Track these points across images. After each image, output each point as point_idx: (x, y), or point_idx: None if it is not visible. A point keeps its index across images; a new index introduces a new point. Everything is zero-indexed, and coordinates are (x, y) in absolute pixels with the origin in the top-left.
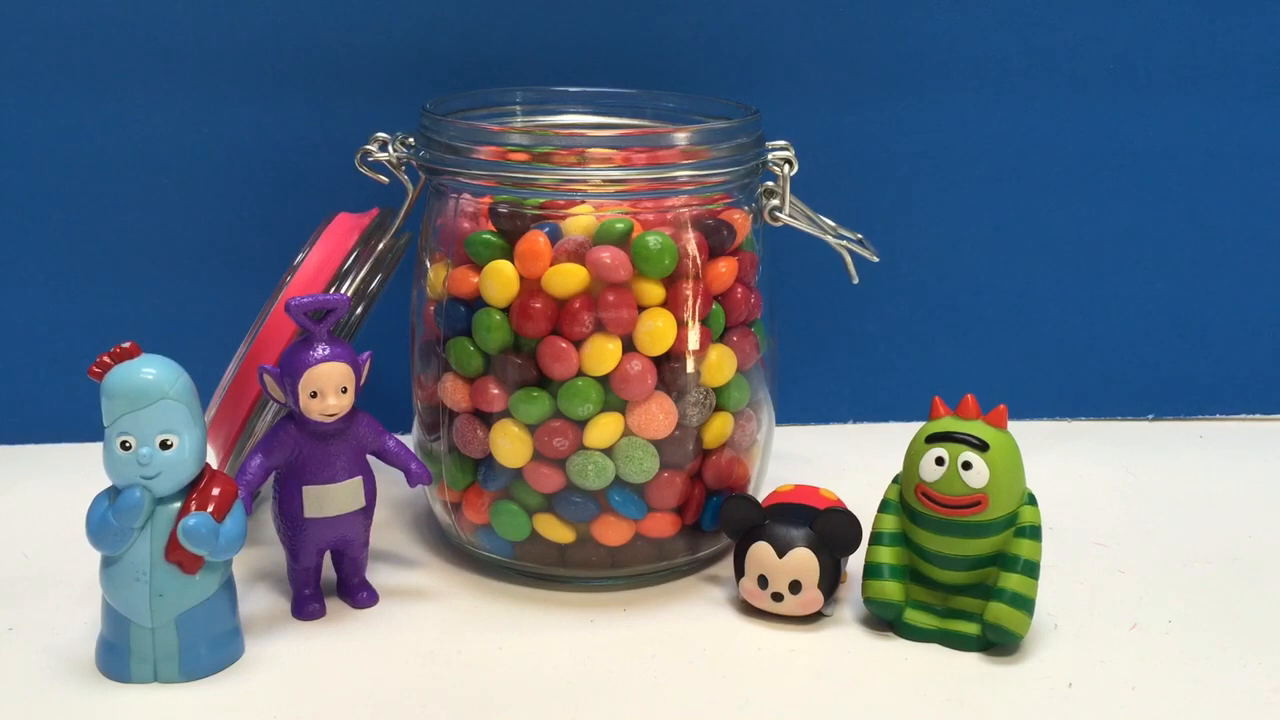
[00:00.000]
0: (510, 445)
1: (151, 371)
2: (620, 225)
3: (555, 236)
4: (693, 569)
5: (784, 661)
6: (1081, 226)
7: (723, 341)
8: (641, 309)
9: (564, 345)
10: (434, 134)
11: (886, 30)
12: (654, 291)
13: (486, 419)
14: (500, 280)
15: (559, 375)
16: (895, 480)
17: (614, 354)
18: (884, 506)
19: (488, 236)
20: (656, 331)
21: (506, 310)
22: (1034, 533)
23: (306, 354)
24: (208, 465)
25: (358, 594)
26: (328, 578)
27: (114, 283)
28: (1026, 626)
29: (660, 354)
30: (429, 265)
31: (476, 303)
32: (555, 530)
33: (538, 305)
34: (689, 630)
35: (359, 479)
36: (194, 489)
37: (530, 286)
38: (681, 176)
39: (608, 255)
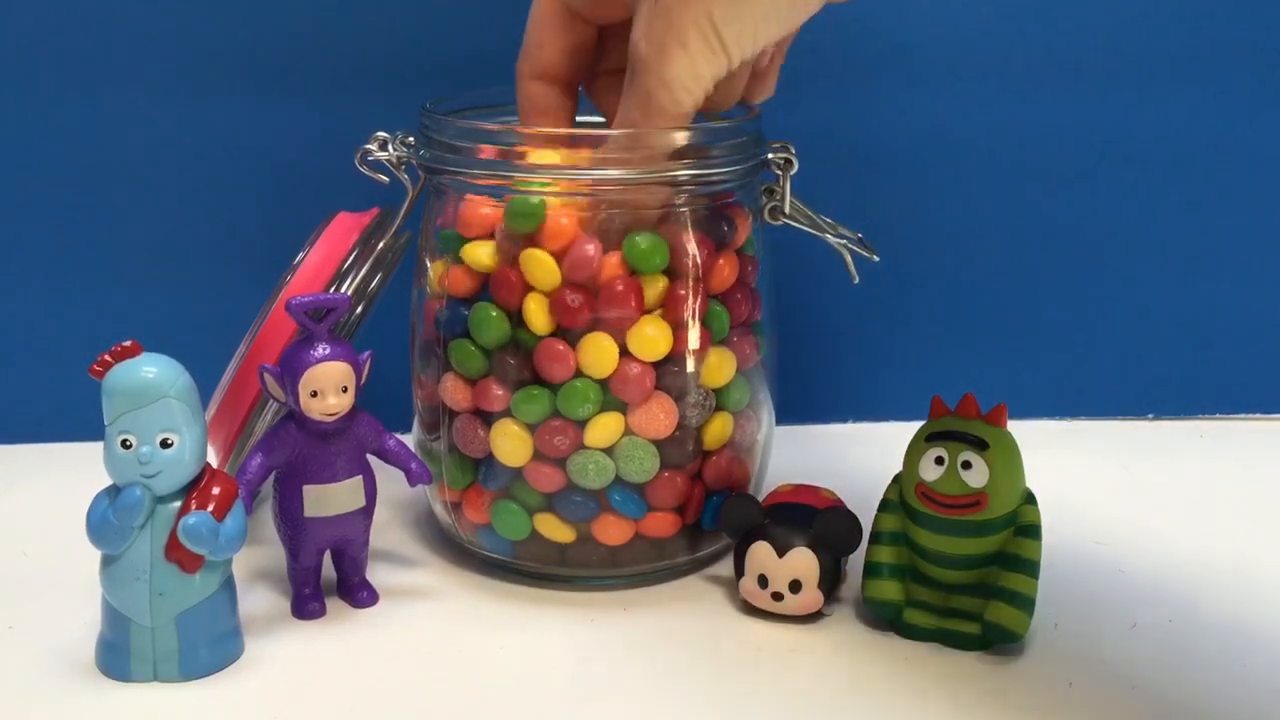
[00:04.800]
0: (510, 444)
1: (152, 370)
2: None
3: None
4: (693, 569)
5: (784, 661)
6: (1082, 225)
7: (723, 343)
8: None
9: (561, 347)
10: (434, 133)
11: (886, 29)
12: (652, 293)
13: (487, 418)
14: (543, 268)
15: (557, 377)
16: (895, 480)
17: (611, 357)
18: (884, 506)
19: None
20: (648, 339)
21: (504, 309)
22: (1034, 532)
23: (307, 353)
24: (208, 464)
25: (358, 594)
26: (328, 577)
27: (114, 283)
28: (1026, 626)
29: (656, 360)
30: (429, 265)
31: (476, 298)
32: (555, 530)
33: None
34: (689, 630)
35: (359, 478)
36: (194, 488)
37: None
38: (682, 176)
39: (590, 247)
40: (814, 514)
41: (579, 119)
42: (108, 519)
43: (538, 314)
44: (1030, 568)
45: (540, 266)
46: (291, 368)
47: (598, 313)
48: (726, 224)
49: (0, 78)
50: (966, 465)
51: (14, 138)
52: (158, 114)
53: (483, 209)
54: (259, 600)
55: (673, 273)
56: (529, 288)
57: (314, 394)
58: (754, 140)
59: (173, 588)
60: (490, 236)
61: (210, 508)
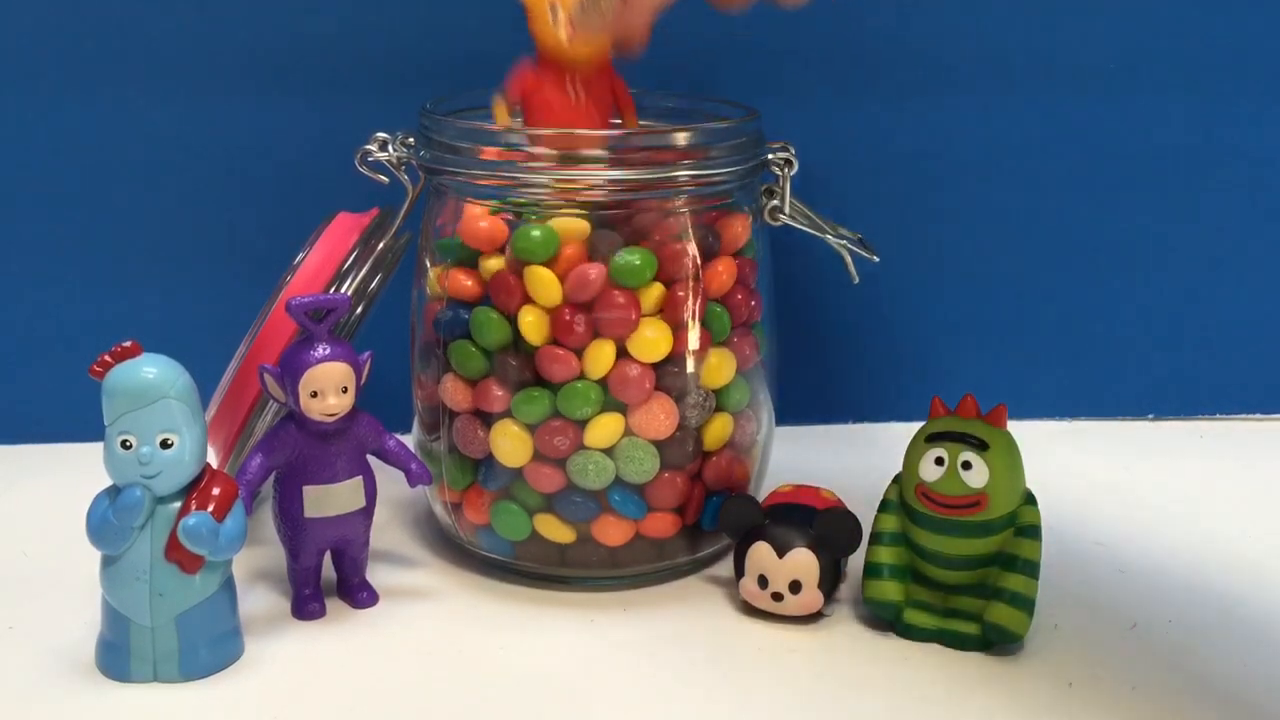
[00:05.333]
0: (511, 445)
1: (152, 371)
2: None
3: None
4: (693, 569)
5: (784, 661)
6: (1082, 226)
7: (723, 343)
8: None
9: (561, 351)
10: (434, 134)
11: (886, 30)
12: (650, 299)
13: (487, 419)
14: (545, 285)
15: (558, 378)
16: (895, 480)
17: (611, 359)
18: (884, 506)
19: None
20: (648, 341)
21: (504, 312)
22: (1034, 532)
23: (307, 354)
24: (208, 465)
25: (358, 594)
26: (328, 578)
27: (114, 283)
28: (1026, 626)
29: (655, 361)
30: (429, 265)
31: (476, 301)
32: (555, 530)
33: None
34: (689, 630)
35: (359, 479)
36: (194, 488)
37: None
38: (681, 176)
39: (594, 271)
40: (814, 514)
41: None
42: (108, 519)
43: (535, 327)
44: (1030, 568)
45: (542, 284)
46: (291, 368)
47: (597, 321)
48: (712, 236)
49: (0, 78)
50: (966, 466)
51: (14, 138)
52: (158, 114)
53: (481, 222)
54: (259, 600)
55: (672, 275)
56: (528, 297)
57: (314, 394)
58: (754, 141)
59: (173, 588)
60: (494, 250)
61: (210, 508)
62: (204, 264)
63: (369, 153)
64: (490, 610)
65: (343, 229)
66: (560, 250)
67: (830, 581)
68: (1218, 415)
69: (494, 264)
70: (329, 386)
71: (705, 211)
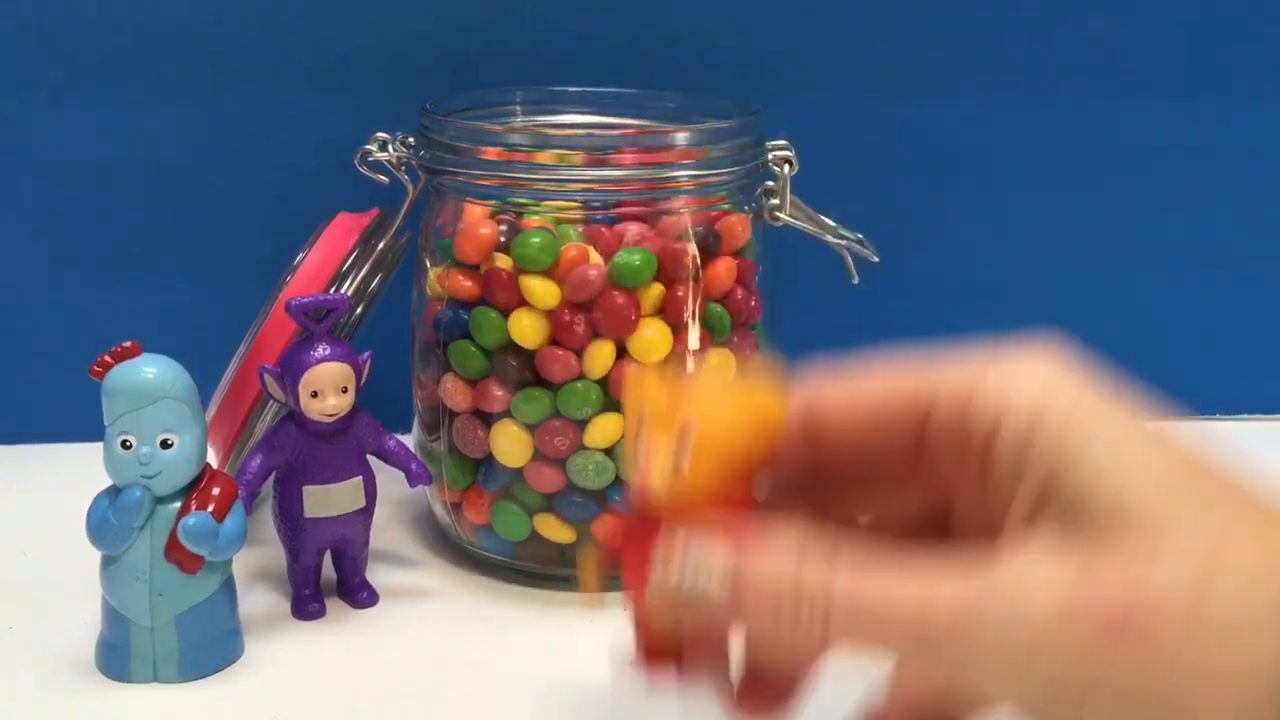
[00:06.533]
0: (510, 445)
1: (152, 371)
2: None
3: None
4: None
5: None
6: (1082, 226)
7: (723, 344)
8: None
9: (561, 351)
10: (434, 134)
11: (886, 30)
12: (649, 299)
13: (487, 419)
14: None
15: (559, 378)
16: None
17: (611, 358)
18: None
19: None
20: (648, 341)
21: (502, 310)
22: None
23: (307, 354)
24: (208, 465)
25: (358, 594)
26: (328, 578)
27: (114, 283)
28: None
29: (656, 361)
30: (429, 266)
31: (476, 300)
32: (555, 530)
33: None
34: None
35: (359, 479)
36: (194, 488)
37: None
38: (681, 176)
39: (593, 272)
40: None
41: (580, 121)
42: (107, 519)
43: (532, 330)
44: None
45: (536, 294)
46: (291, 368)
47: (596, 321)
48: (712, 236)
49: (1, 78)
50: None
51: (13, 138)
52: (157, 113)
53: (482, 229)
54: (259, 600)
55: (672, 275)
56: (524, 301)
57: (314, 394)
58: (754, 140)
59: (173, 588)
60: (489, 256)
61: (210, 508)
62: (204, 264)
63: (369, 153)
64: (490, 610)
65: (343, 229)
66: (565, 259)
67: None
68: (1218, 415)
69: (491, 264)
70: (329, 386)
71: (705, 211)
